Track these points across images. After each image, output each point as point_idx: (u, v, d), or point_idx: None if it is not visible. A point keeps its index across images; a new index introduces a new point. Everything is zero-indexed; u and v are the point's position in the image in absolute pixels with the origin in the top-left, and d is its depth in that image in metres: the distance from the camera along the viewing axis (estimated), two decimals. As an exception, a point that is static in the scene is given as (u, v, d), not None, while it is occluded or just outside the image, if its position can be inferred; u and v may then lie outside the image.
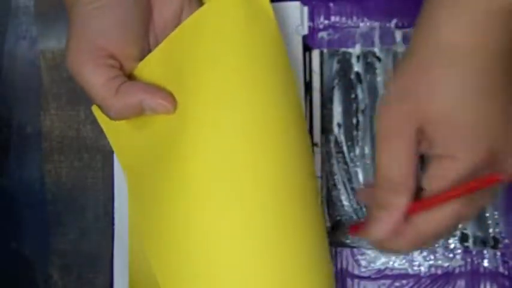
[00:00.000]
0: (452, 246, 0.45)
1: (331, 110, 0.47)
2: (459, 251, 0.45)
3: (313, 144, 0.46)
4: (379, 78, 0.47)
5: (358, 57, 0.47)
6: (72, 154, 0.49)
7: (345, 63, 0.48)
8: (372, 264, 0.46)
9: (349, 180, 0.47)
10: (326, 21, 0.48)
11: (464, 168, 0.33)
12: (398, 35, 0.47)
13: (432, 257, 0.45)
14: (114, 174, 0.47)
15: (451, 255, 0.45)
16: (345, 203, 0.46)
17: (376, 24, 0.47)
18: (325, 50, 0.48)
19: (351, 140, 0.47)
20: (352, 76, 0.47)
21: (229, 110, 0.37)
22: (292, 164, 0.38)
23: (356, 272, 0.46)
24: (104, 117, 0.39)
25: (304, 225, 0.38)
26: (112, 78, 0.37)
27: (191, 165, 0.37)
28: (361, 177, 0.46)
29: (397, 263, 0.46)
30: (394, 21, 0.47)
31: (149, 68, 0.39)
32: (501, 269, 0.45)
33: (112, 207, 0.47)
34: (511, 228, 0.45)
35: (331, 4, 0.48)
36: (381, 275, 0.46)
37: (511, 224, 0.45)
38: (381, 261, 0.46)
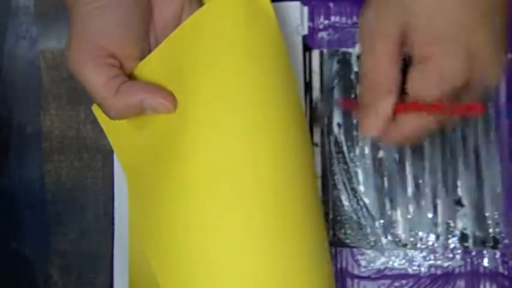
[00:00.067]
0: (452, 246, 0.45)
1: (331, 110, 0.47)
2: (459, 251, 0.45)
3: (313, 144, 0.46)
4: (379, 78, 0.47)
5: (358, 57, 0.47)
6: (72, 154, 0.49)
7: (345, 63, 0.48)
8: (372, 264, 0.46)
9: (349, 180, 0.47)
10: (326, 21, 0.48)
11: (443, 70, 0.35)
12: (398, 35, 0.47)
13: (432, 257, 0.45)
14: (114, 174, 0.47)
15: (451, 255, 0.45)
16: (345, 203, 0.46)
17: (376, 24, 0.47)
18: (325, 50, 0.48)
19: (351, 140, 0.47)
20: (352, 76, 0.47)
21: (229, 110, 0.37)
22: (293, 164, 0.38)
23: (356, 272, 0.46)
24: (104, 117, 0.39)
25: (304, 225, 0.38)
26: (112, 78, 0.37)
27: (191, 165, 0.37)
28: (361, 177, 0.46)
29: (396, 263, 0.46)
30: (394, 21, 0.47)
31: (149, 68, 0.39)
32: (501, 269, 0.45)
33: (112, 207, 0.47)
34: (511, 228, 0.45)
35: (331, 4, 0.48)
36: (380, 275, 0.46)
37: (511, 224, 0.45)
38: (381, 261, 0.46)
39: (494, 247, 0.45)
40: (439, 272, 0.45)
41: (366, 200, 0.46)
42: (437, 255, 0.45)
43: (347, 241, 0.46)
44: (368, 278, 0.46)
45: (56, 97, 0.50)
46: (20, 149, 0.50)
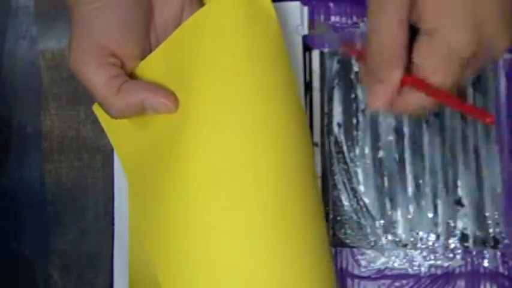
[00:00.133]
0: (452, 246, 0.45)
1: (331, 110, 0.47)
2: (459, 251, 0.45)
3: (313, 144, 0.46)
4: (379, 78, 0.47)
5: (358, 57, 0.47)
6: (72, 154, 0.49)
7: (345, 63, 0.48)
8: (372, 264, 0.46)
9: (349, 180, 0.47)
10: (326, 21, 0.48)
11: (451, 43, 0.34)
12: (398, 35, 0.47)
13: (432, 257, 0.45)
14: (114, 174, 0.47)
15: (451, 255, 0.45)
16: (345, 203, 0.46)
17: (376, 24, 0.47)
18: (325, 50, 0.48)
19: (351, 140, 0.47)
20: (352, 76, 0.47)
21: (229, 109, 0.37)
22: (293, 164, 0.38)
23: (356, 272, 0.46)
24: (105, 117, 0.39)
25: (304, 225, 0.38)
26: (114, 77, 0.37)
27: (191, 165, 0.37)
28: (361, 177, 0.46)
29: (397, 263, 0.46)
30: (394, 21, 0.47)
31: (150, 68, 0.39)
32: (501, 269, 0.45)
33: (112, 207, 0.47)
34: (511, 228, 0.45)
35: (331, 4, 0.48)
36: (380, 275, 0.46)
37: (511, 224, 0.45)
38: (381, 261, 0.46)
39: (495, 247, 0.45)
40: (439, 272, 0.45)
41: (366, 200, 0.46)
42: (437, 255, 0.45)
43: (347, 241, 0.46)
44: (368, 278, 0.46)
45: (56, 97, 0.50)
46: (20, 149, 0.50)
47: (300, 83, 0.46)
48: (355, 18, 0.48)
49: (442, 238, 0.45)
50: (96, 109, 0.40)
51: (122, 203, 0.46)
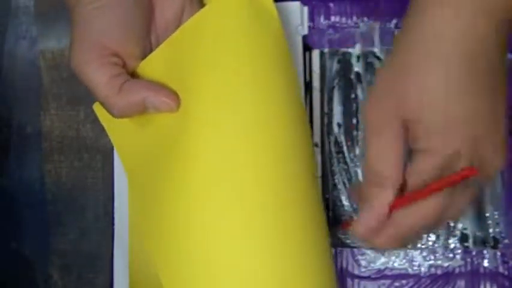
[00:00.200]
0: (452, 246, 0.45)
1: (331, 110, 0.47)
2: (459, 251, 0.45)
3: (313, 144, 0.46)
4: (379, 78, 0.47)
5: (358, 57, 0.47)
6: (72, 154, 0.49)
7: (345, 63, 0.48)
8: (372, 264, 0.46)
9: (349, 180, 0.47)
10: (326, 21, 0.48)
11: (441, 162, 0.34)
12: (398, 35, 0.47)
13: (432, 257, 0.45)
14: (114, 174, 0.47)
15: (451, 255, 0.45)
16: (345, 203, 0.46)
17: (376, 24, 0.47)
18: (325, 50, 0.48)
19: (351, 140, 0.47)
20: (352, 76, 0.47)
21: (230, 110, 0.37)
22: (293, 163, 0.38)
23: (356, 272, 0.46)
24: (105, 116, 0.39)
25: (304, 225, 0.38)
26: (115, 76, 0.37)
27: (192, 164, 0.37)
28: (361, 177, 0.46)
29: (397, 263, 0.46)
30: (394, 21, 0.47)
31: (151, 67, 0.39)
32: (501, 269, 0.45)
33: (112, 207, 0.47)
34: (511, 228, 0.45)
35: (331, 4, 0.48)
36: (380, 275, 0.46)
37: (511, 224, 0.45)
38: (381, 261, 0.46)
39: (495, 247, 0.45)
40: (439, 272, 0.45)
41: (366, 200, 0.46)
42: (437, 255, 0.45)
43: (347, 241, 0.46)
44: (368, 278, 0.46)
45: (56, 97, 0.50)
46: (20, 149, 0.50)
47: (300, 83, 0.46)
48: (355, 18, 0.48)
49: (442, 238, 0.45)
50: (97, 109, 0.40)
51: (122, 203, 0.46)
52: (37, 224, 0.49)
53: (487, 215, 0.45)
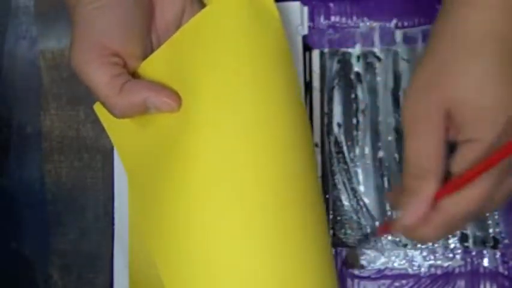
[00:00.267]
0: (452, 246, 0.45)
1: (331, 110, 0.47)
2: (459, 251, 0.45)
3: (313, 144, 0.46)
4: (379, 78, 0.47)
5: (358, 57, 0.47)
6: (72, 154, 0.49)
7: (345, 63, 0.48)
8: (372, 264, 0.46)
9: (349, 180, 0.47)
10: (326, 21, 0.48)
11: (489, 149, 0.34)
12: (398, 35, 0.47)
13: (432, 257, 0.45)
14: (114, 174, 0.47)
15: (451, 255, 0.45)
16: (345, 203, 0.46)
17: (376, 24, 0.47)
18: (325, 50, 0.48)
19: (351, 140, 0.47)
20: (352, 76, 0.47)
21: (230, 110, 0.37)
22: (294, 163, 0.38)
23: (356, 272, 0.46)
24: (106, 116, 0.39)
25: (305, 225, 0.38)
26: (116, 76, 0.37)
27: (192, 164, 0.37)
28: (361, 177, 0.46)
29: (397, 263, 0.46)
30: (394, 21, 0.47)
31: (152, 68, 0.39)
32: (501, 269, 0.45)
33: (112, 207, 0.47)
34: (511, 228, 0.45)
35: (331, 4, 0.48)
36: (380, 275, 0.46)
37: (511, 224, 0.45)
38: (381, 261, 0.46)
39: (494, 247, 0.45)
40: (439, 272, 0.45)
41: (366, 200, 0.46)
42: (437, 255, 0.45)
43: (347, 241, 0.46)
44: (368, 278, 0.46)
45: (56, 97, 0.50)
46: (20, 149, 0.50)
47: (300, 83, 0.46)
48: (355, 18, 0.48)
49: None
50: (97, 108, 0.40)
51: (122, 203, 0.46)
52: (37, 224, 0.49)
53: (487, 215, 0.45)
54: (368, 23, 0.48)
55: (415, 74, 0.36)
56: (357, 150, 0.47)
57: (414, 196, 0.35)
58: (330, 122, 0.47)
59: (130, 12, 0.37)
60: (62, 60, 0.50)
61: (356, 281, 0.46)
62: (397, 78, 0.47)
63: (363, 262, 0.46)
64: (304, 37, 0.47)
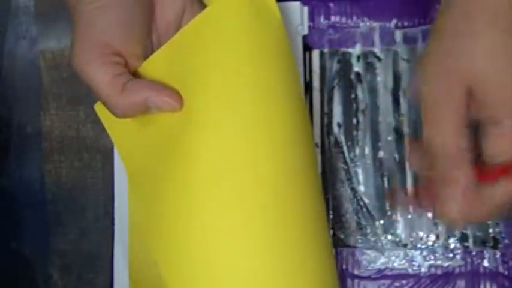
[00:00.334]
0: (452, 246, 0.45)
1: (331, 110, 0.47)
2: (459, 251, 0.45)
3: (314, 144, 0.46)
4: (379, 78, 0.47)
5: (358, 57, 0.47)
6: (72, 154, 0.49)
7: (345, 63, 0.48)
8: (372, 264, 0.46)
9: (349, 180, 0.47)
10: (326, 21, 0.48)
11: None
12: (398, 35, 0.47)
13: (432, 257, 0.45)
14: (114, 174, 0.47)
15: (451, 255, 0.45)
16: (345, 203, 0.46)
17: (376, 24, 0.47)
18: (325, 50, 0.48)
19: (351, 140, 0.47)
20: (352, 76, 0.47)
21: (231, 110, 0.37)
22: (294, 164, 0.38)
23: (356, 272, 0.46)
24: (106, 116, 0.39)
25: (305, 225, 0.38)
26: (117, 76, 0.37)
27: (193, 164, 0.37)
28: (361, 177, 0.46)
29: (397, 263, 0.46)
30: (394, 21, 0.47)
31: (153, 68, 0.39)
32: (501, 269, 0.45)
33: (112, 207, 0.47)
34: (511, 228, 0.45)
35: (331, 4, 0.48)
36: (380, 275, 0.46)
37: (511, 224, 0.45)
38: (381, 261, 0.46)
39: (495, 247, 0.45)
40: (439, 272, 0.45)
41: (366, 200, 0.46)
42: (437, 255, 0.45)
43: (347, 241, 0.46)
44: (368, 278, 0.46)
45: (56, 97, 0.50)
46: (20, 149, 0.50)
47: (300, 83, 0.46)
48: (355, 18, 0.48)
49: (442, 238, 0.45)
50: (97, 108, 0.40)
51: (122, 203, 0.46)
52: (37, 224, 0.49)
53: (487, 215, 0.45)
54: (368, 23, 0.48)
55: (428, 57, 0.35)
56: (357, 150, 0.47)
57: (452, 186, 0.35)
58: (330, 122, 0.47)
59: (130, 12, 0.37)
60: (62, 60, 0.50)
61: (356, 281, 0.46)
62: (397, 78, 0.47)
63: (363, 262, 0.46)
64: (304, 37, 0.47)
